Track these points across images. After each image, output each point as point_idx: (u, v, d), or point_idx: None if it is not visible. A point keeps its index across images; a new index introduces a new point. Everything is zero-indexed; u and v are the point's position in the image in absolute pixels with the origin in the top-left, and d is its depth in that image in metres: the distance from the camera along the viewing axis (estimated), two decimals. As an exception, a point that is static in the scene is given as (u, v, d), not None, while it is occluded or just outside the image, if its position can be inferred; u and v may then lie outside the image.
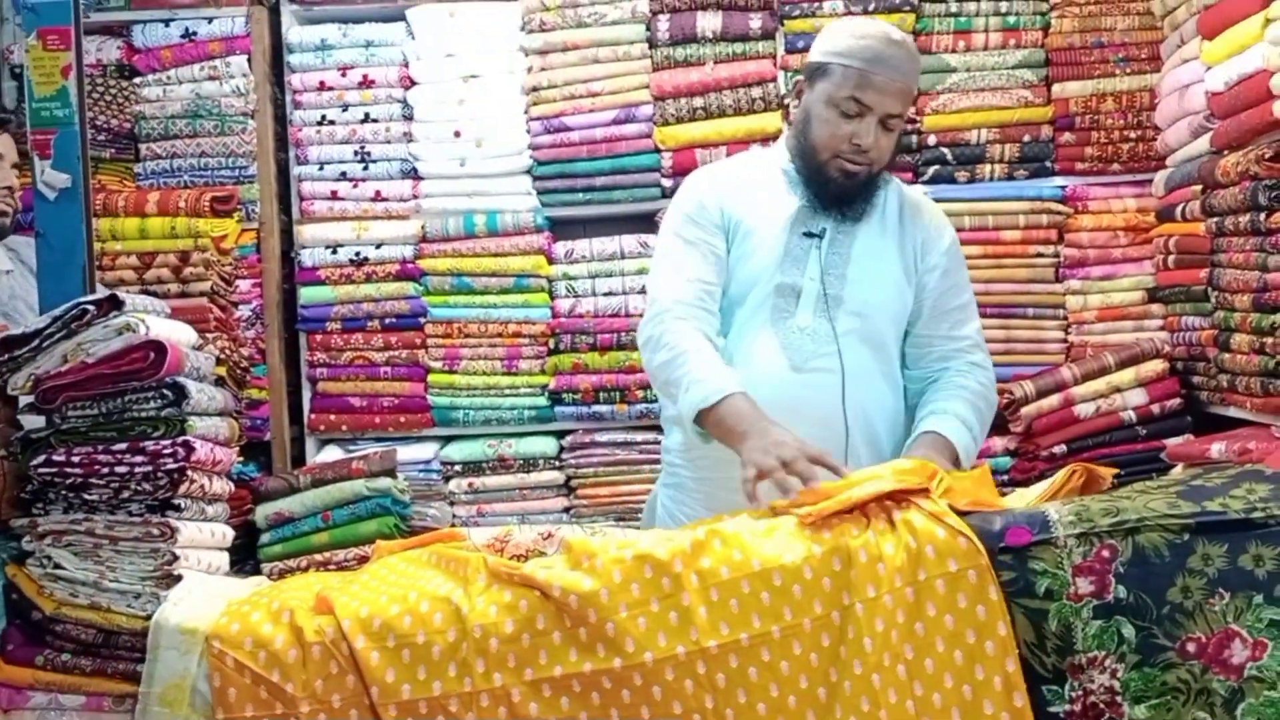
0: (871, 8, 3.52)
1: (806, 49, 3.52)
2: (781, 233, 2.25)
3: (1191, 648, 1.57)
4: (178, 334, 1.93)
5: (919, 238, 2.32)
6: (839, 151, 2.19)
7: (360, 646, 1.65)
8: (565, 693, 1.62)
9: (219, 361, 2.61)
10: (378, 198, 3.69)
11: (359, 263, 3.67)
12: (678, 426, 2.29)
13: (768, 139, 3.42)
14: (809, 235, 2.24)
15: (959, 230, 3.48)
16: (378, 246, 3.68)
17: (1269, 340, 2.64)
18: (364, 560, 2.93)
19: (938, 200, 3.48)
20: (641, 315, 3.52)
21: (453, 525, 3.56)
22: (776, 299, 2.23)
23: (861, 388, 2.21)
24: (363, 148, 3.68)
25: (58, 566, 1.77)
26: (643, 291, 3.61)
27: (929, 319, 2.31)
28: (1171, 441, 3.15)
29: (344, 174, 3.69)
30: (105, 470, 1.78)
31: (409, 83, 3.67)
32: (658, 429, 2.78)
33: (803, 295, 2.22)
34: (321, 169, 3.70)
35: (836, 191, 2.23)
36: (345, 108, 3.69)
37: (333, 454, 3.57)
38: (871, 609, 1.61)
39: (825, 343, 2.21)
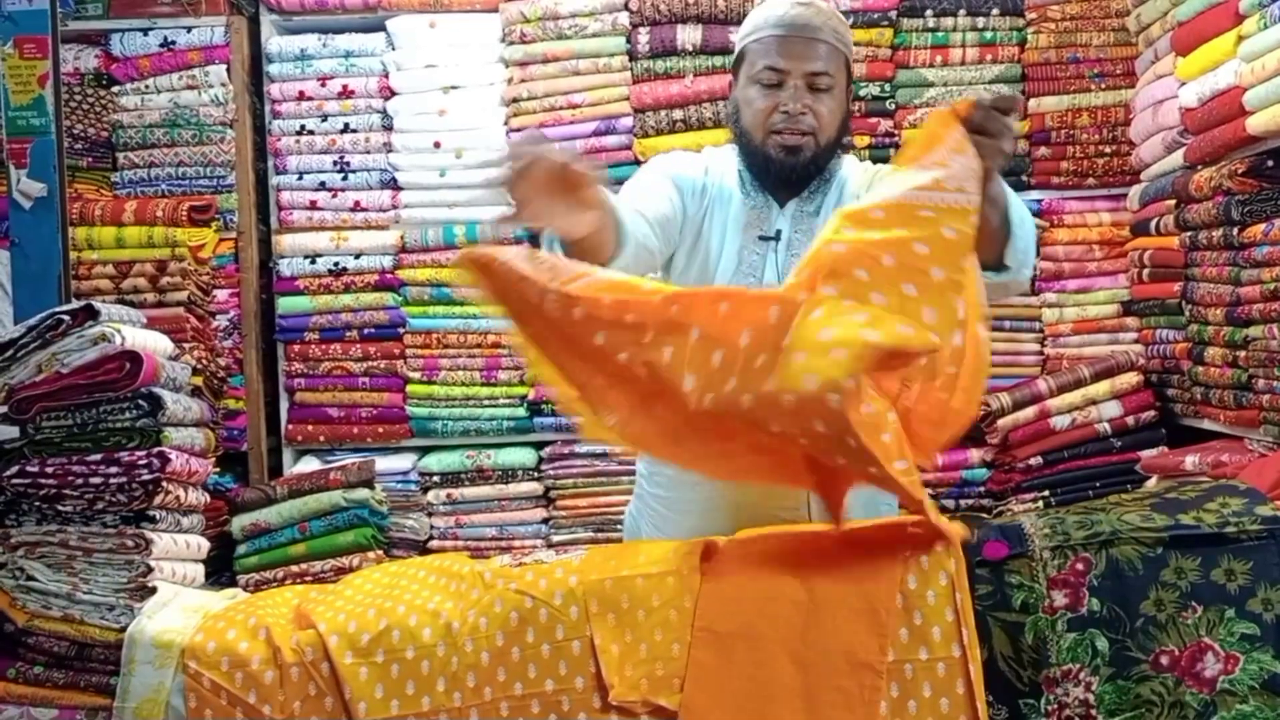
0: (850, 22, 3.53)
1: (786, 62, 3.56)
2: (734, 237, 2.15)
3: (1165, 660, 1.58)
4: (153, 344, 1.92)
5: None
6: (771, 126, 2.07)
7: (348, 662, 1.62)
8: (554, 710, 1.60)
9: (195, 372, 2.59)
10: (357, 208, 3.68)
11: (338, 273, 3.66)
12: None
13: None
14: (764, 239, 2.13)
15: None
16: (357, 257, 3.67)
17: (1242, 353, 2.67)
18: (341, 571, 2.93)
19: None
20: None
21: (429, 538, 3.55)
22: None
23: None
24: (342, 158, 3.67)
25: (30, 578, 1.75)
26: (622, 303, 3.61)
27: None
28: (1146, 453, 3.18)
29: (323, 184, 3.68)
30: (79, 481, 1.77)
31: (389, 93, 3.67)
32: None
33: None
34: (300, 179, 3.69)
35: (781, 173, 2.10)
36: (325, 118, 3.68)
37: (310, 465, 3.55)
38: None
39: None
